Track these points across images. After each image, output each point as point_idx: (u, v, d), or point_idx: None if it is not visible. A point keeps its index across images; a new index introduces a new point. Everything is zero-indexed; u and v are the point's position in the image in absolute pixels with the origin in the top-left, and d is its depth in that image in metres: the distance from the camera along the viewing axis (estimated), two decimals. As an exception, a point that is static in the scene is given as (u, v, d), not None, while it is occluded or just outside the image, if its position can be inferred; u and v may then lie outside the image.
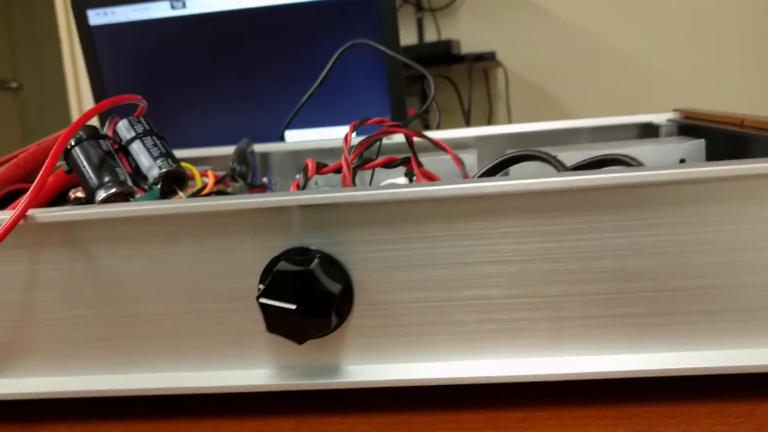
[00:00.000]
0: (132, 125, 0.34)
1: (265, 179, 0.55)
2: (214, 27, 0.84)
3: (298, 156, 0.57)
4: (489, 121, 1.91)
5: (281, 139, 0.70)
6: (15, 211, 0.26)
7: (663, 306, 0.25)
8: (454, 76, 1.84)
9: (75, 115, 2.00)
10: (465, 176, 0.37)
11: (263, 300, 0.25)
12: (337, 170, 0.33)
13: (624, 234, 0.25)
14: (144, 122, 0.35)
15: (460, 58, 1.73)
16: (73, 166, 0.33)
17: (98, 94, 0.86)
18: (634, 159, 0.31)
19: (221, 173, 0.45)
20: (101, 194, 0.31)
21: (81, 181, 0.32)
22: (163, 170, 0.33)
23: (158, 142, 0.34)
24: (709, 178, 0.24)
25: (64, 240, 0.27)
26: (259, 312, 0.26)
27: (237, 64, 0.85)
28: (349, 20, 0.84)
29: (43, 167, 0.28)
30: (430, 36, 1.93)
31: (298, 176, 0.56)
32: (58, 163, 0.30)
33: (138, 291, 0.27)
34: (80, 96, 1.99)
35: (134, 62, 0.85)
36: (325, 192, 0.25)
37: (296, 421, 0.26)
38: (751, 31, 1.80)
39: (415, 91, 1.79)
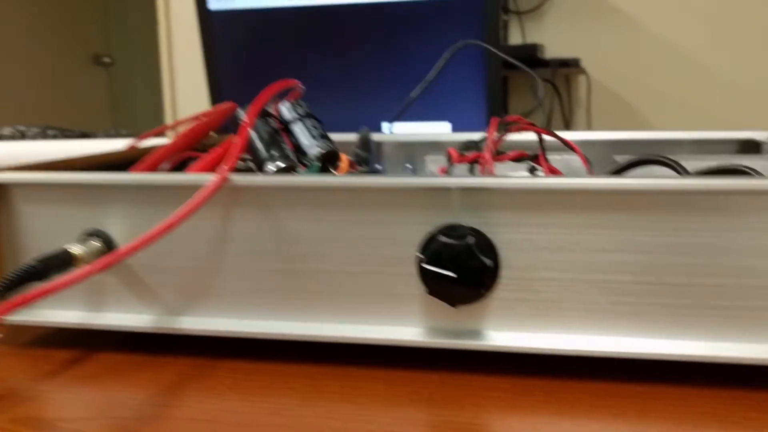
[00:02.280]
0: (294, 108, 0.39)
1: (378, 166, 0.59)
2: (326, 19, 0.89)
3: (406, 147, 0.61)
4: (567, 128, 1.91)
5: (380, 130, 0.74)
6: (219, 174, 0.30)
7: (780, 302, 0.28)
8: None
9: (167, 92, 2.09)
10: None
11: (427, 266, 0.29)
12: (474, 160, 0.37)
13: (747, 236, 0.28)
14: (304, 106, 0.39)
15: (544, 63, 1.75)
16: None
17: (212, 74, 0.92)
18: (755, 170, 0.34)
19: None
20: (270, 166, 0.36)
21: (251, 153, 0.37)
22: (323, 150, 0.37)
23: (317, 125, 0.39)
24: (834, 192, 0.27)
25: (255, 202, 0.31)
26: (416, 277, 0.30)
27: (342, 56, 0.90)
28: (453, 20, 0.88)
29: (239, 139, 0.32)
30: (515, 39, 1.95)
31: (408, 165, 0.61)
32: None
33: (313, 250, 0.31)
34: (173, 74, 2.08)
35: (247, 47, 0.90)
36: (483, 177, 0.29)
37: (442, 376, 0.30)
38: None
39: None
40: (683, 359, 0.29)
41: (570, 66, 1.75)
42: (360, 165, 0.53)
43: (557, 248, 0.29)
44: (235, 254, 0.32)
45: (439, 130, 0.91)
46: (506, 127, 0.37)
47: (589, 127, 1.89)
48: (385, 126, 0.86)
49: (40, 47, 3.00)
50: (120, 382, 0.31)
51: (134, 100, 3.35)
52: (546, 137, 0.38)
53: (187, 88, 2.10)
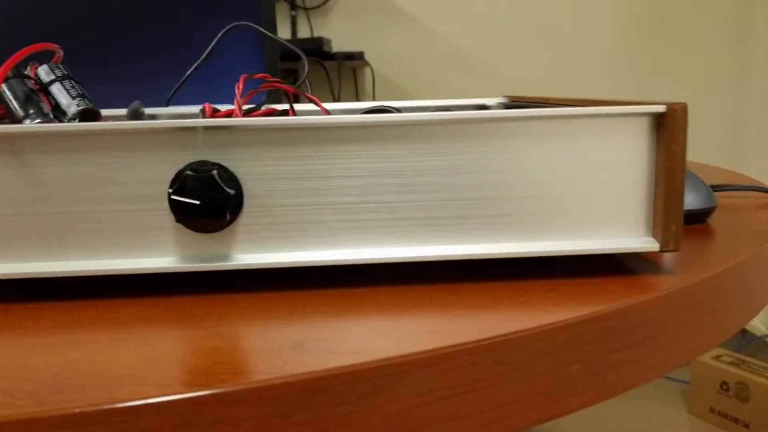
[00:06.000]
0: (52, 70, 0.41)
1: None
2: (100, 2, 0.88)
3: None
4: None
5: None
6: (-33, 123, 0.32)
7: (467, 210, 0.35)
8: (322, 73, 1.94)
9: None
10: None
11: (174, 197, 0.33)
12: (229, 115, 0.41)
13: (441, 158, 0.34)
14: (62, 68, 0.41)
15: (331, 56, 1.83)
16: (0, 101, 0.39)
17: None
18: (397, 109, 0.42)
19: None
20: (27, 123, 0.38)
21: (8, 113, 0.38)
22: (81, 107, 0.40)
23: (75, 85, 0.41)
24: (486, 119, 0.34)
25: (7, 150, 0.33)
26: (169, 210, 0.34)
27: (122, 40, 0.89)
28: (231, 7, 0.91)
29: (-12, 92, 0.34)
30: (304, 33, 2.01)
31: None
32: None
33: (69, 193, 0.33)
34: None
35: (19, 31, 0.87)
36: (224, 118, 0.34)
37: (193, 297, 0.34)
38: (584, 42, 2.03)
39: (287, 83, 1.86)
40: (401, 261, 0.35)
41: (355, 59, 1.84)
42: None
43: (291, 177, 0.34)
44: (-10, 200, 0.33)
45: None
46: (255, 85, 0.41)
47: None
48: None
49: None
50: None
51: None
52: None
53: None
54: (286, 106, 0.46)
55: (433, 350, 0.27)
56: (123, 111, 0.60)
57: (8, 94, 0.38)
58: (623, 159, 0.36)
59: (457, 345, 0.28)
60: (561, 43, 2.04)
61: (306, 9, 2.00)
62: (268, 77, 0.41)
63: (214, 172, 0.33)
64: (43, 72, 0.41)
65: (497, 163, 0.35)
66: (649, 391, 2.01)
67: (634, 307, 0.32)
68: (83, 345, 0.28)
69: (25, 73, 0.40)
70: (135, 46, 0.92)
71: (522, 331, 0.29)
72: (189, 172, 0.33)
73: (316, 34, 2.00)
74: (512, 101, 0.63)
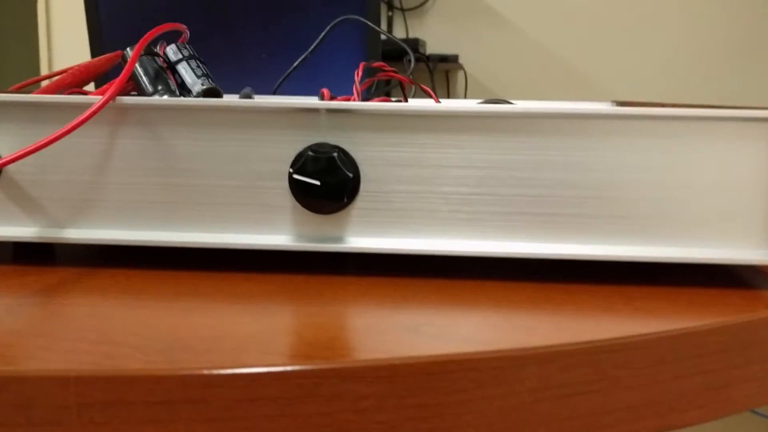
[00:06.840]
0: (179, 49, 0.42)
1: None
2: (211, -6, 0.91)
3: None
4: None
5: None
6: (107, 94, 0.33)
7: (585, 209, 0.34)
8: (418, 74, 1.94)
9: (44, 60, 2.02)
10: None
11: (296, 176, 0.33)
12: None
13: (560, 153, 0.34)
14: (188, 48, 0.42)
15: (426, 58, 1.83)
16: (131, 76, 0.40)
17: (95, 44, 0.92)
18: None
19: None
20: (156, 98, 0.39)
21: (138, 89, 0.40)
22: (205, 86, 0.41)
23: (200, 65, 0.42)
24: (601, 115, 0.33)
25: (139, 121, 0.34)
26: (287, 189, 0.34)
27: (227, 31, 0.92)
28: (335, 3, 0.93)
29: (125, 69, 0.35)
30: (399, 34, 2.02)
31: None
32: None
33: (193, 167, 0.35)
34: (51, 47, 2.02)
35: (130, 18, 0.91)
36: (346, 102, 0.34)
37: (307, 276, 0.35)
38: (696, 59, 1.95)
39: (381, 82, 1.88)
40: (507, 256, 0.34)
41: (449, 61, 1.84)
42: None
43: (407, 164, 0.34)
44: (120, 169, 0.35)
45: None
46: (373, 73, 0.42)
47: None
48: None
49: None
50: (3, 285, 0.33)
51: (6, 66, 3.19)
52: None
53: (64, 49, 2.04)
54: (398, 98, 0.46)
55: (551, 346, 0.26)
56: (235, 96, 0.62)
57: (140, 70, 0.40)
58: (745, 165, 0.34)
59: (576, 343, 0.27)
60: (666, 54, 1.98)
61: (403, 10, 2.01)
62: (385, 66, 0.41)
63: (335, 154, 0.33)
64: (171, 51, 0.42)
65: (618, 163, 0.34)
66: (737, 426, 1.92)
67: (760, 321, 0.31)
68: (205, 311, 0.29)
69: (155, 51, 0.41)
70: (242, 36, 0.94)
71: (644, 335, 0.28)
72: (311, 153, 0.33)
73: (412, 35, 2.01)
74: (621, 104, 0.61)
